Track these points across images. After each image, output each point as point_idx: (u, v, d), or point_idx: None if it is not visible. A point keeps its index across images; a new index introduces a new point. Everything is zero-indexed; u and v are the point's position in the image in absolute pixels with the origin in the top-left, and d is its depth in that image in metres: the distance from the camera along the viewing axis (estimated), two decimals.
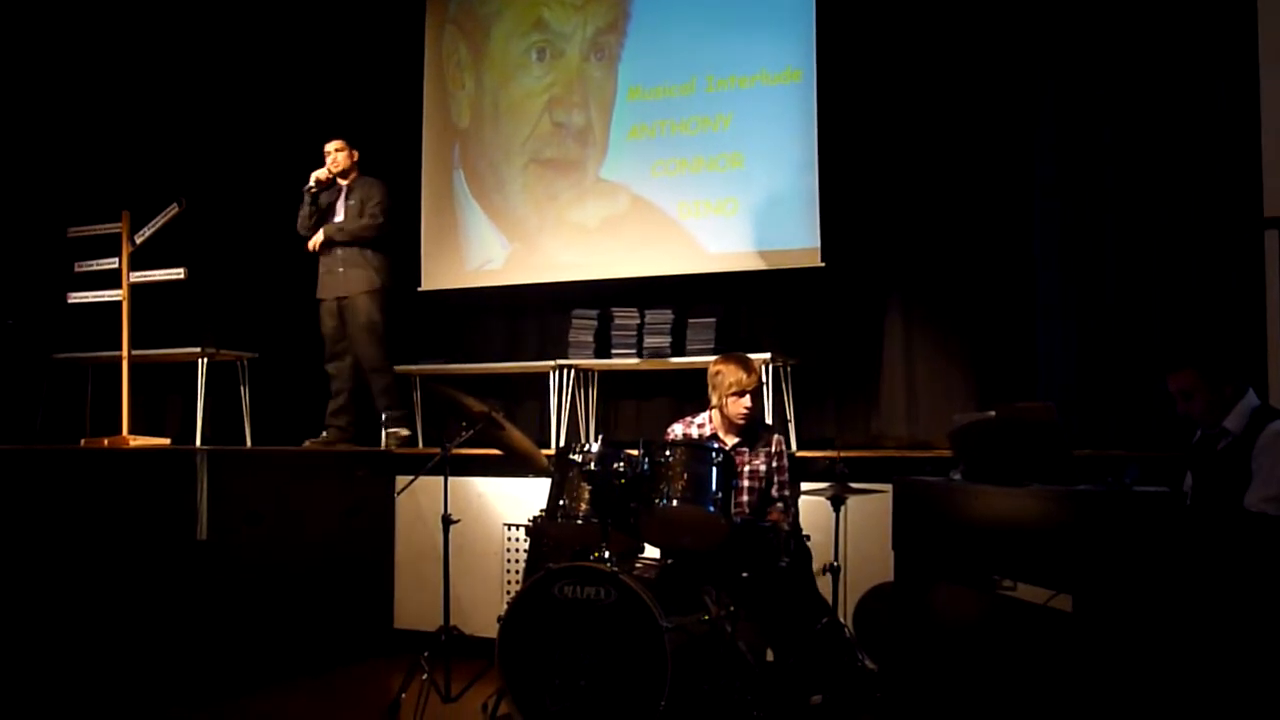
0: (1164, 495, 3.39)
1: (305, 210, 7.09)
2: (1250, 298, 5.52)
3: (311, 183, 7.03)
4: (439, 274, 7.82)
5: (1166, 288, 5.95)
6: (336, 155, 7.07)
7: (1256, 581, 3.18)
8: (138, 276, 6.26)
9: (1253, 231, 5.46)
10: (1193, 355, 4.07)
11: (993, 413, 3.98)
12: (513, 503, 6.25)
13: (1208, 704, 3.12)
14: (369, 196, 7.06)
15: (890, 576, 4.53)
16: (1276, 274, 5.03)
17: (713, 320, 6.93)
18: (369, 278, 6.99)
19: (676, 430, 5.17)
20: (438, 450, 5.06)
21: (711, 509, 4.43)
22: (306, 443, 6.96)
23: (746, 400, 4.99)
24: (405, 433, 7.05)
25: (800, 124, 6.92)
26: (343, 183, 7.12)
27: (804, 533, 4.88)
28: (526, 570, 5.10)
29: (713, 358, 5.35)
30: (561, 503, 4.63)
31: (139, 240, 6.22)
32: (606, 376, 7.38)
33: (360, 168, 7.19)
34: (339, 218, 7.05)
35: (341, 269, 7.00)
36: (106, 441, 6.02)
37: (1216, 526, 3.45)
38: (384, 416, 6.98)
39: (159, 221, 6.19)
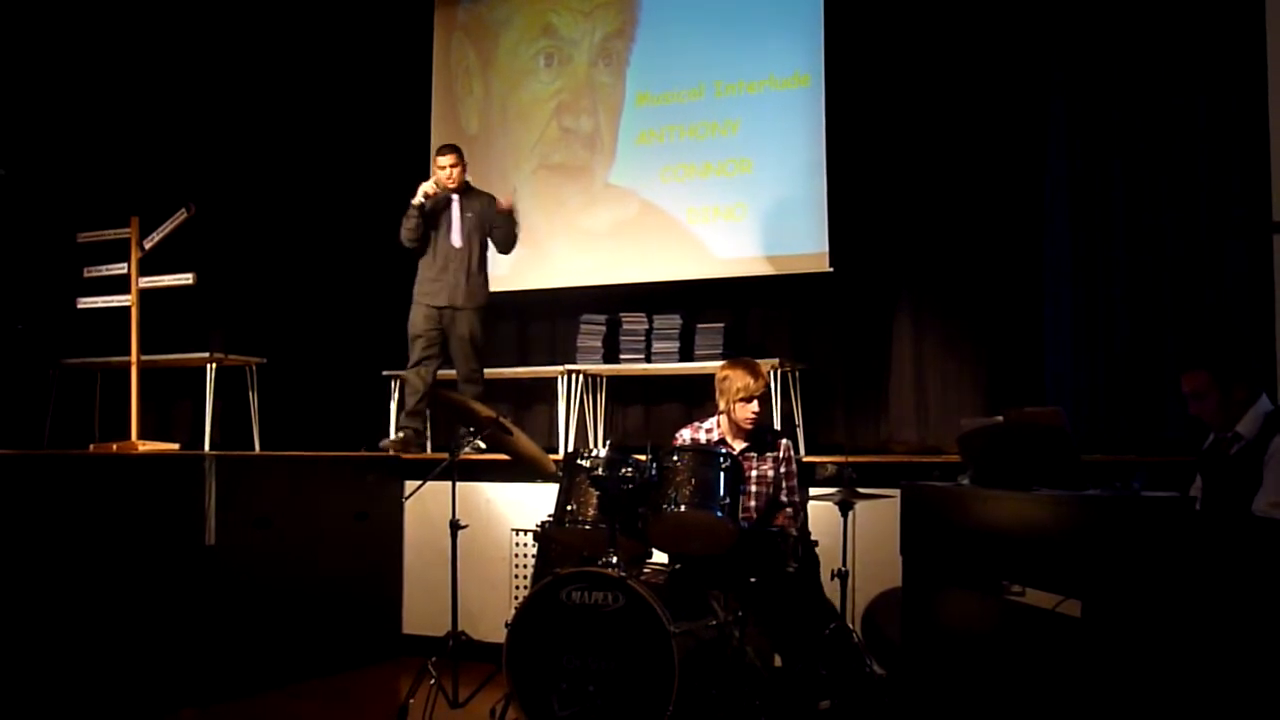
0: (1173, 500, 3.38)
1: (412, 224, 6.68)
2: (1260, 302, 5.52)
3: (420, 198, 6.66)
4: None
5: (1176, 292, 5.94)
6: (453, 171, 6.70)
7: (1265, 586, 3.16)
8: (147, 282, 6.27)
9: (1262, 236, 5.45)
10: (1206, 356, 4.08)
11: (1001, 418, 3.96)
12: (520, 508, 6.24)
13: (1217, 709, 3.11)
14: (488, 212, 6.79)
15: (898, 582, 4.51)
16: None
17: (721, 325, 6.93)
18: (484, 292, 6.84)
19: (685, 435, 5.17)
20: (445, 455, 5.06)
21: (719, 514, 4.42)
22: (383, 443, 6.77)
23: (754, 405, 4.99)
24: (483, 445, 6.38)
25: (809, 129, 6.92)
26: (454, 195, 6.77)
27: (812, 538, 4.87)
28: (534, 575, 5.08)
29: (721, 362, 5.35)
30: (569, 508, 4.62)
31: (148, 245, 6.23)
32: (615, 381, 7.38)
33: (368, 172, 7.10)
34: (454, 232, 6.72)
35: (455, 279, 6.74)
36: (115, 447, 6.04)
37: (1226, 531, 3.43)
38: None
39: (168, 227, 6.19)
